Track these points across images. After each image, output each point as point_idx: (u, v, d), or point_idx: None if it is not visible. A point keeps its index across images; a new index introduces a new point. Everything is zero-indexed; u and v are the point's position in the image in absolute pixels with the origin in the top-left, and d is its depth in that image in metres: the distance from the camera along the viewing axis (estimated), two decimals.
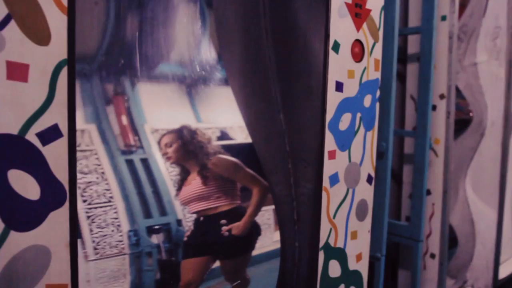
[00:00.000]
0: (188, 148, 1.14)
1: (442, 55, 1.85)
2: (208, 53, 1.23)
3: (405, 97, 1.96)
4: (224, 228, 1.27)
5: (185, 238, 1.11)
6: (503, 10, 2.32)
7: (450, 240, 2.04)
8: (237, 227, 1.30)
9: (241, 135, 1.39)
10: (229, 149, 1.35)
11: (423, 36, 1.79)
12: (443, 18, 1.85)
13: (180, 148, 1.11)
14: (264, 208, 1.50)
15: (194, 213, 1.30)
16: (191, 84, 1.25)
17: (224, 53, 1.27)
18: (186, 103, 1.31)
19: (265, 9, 1.24)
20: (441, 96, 1.86)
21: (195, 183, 1.25)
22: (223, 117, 1.40)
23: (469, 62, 2.31)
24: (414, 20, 1.90)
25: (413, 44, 1.93)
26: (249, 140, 1.39)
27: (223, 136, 1.35)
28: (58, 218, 0.70)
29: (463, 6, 2.34)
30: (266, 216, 1.48)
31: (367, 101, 1.24)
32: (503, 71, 2.26)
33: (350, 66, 1.18)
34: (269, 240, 1.47)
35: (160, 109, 1.22)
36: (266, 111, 1.24)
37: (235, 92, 1.28)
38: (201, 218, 1.29)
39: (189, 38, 1.23)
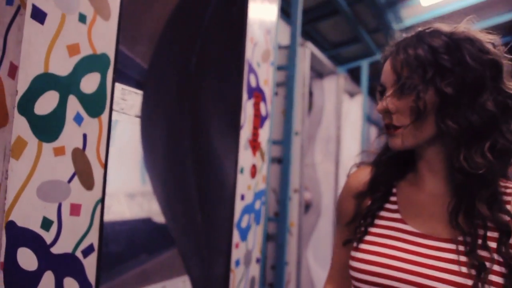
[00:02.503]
0: None
1: (295, 160, 2.53)
2: None
3: (268, 190, 2.55)
4: None
5: None
6: (332, 122, 3.18)
7: None
8: None
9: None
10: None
11: (284, 147, 2.43)
12: (296, 133, 2.54)
13: None
14: None
15: None
16: None
17: (148, 165, 1.65)
18: None
19: (187, 133, 1.69)
20: (295, 190, 2.51)
21: None
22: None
23: (310, 161, 3.07)
24: (275, 134, 2.55)
25: (274, 150, 2.57)
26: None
27: None
28: None
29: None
30: None
31: (257, 205, 1.76)
32: (333, 168, 3.08)
33: (248, 182, 1.69)
34: None
35: None
36: (186, 213, 1.65)
37: (158, 197, 1.66)
38: None
39: None
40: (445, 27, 0.81)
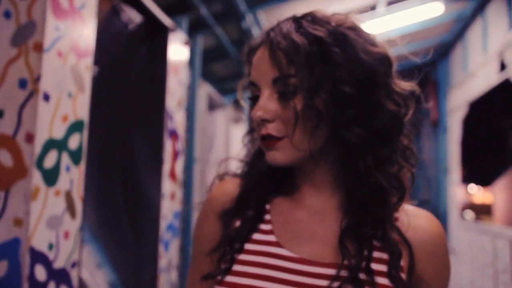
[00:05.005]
0: None
1: (196, 181, 2.99)
2: None
3: None
4: None
5: None
6: (222, 147, 3.72)
7: None
8: None
9: None
10: None
11: (187, 171, 2.89)
12: (196, 160, 3.02)
13: None
14: None
15: None
16: None
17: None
18: None
19: (117, 168, 2.06)
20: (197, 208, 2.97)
21: None
22: None
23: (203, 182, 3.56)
24: None
25: None
26: None
27: None
28: None
29: None
30: None
31: (175, 222, 2.19)
32: None
33: (169, 205, 2.12)
34: None
35: None
36: (118, 232, 2.02)
37: (90, 221, 2.00)
38: None
39: None
40: (322, 13, 0.67)
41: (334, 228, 0.67)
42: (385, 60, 0.65)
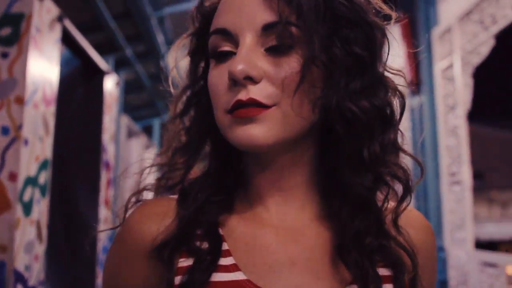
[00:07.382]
0: None
1: (118, 205, 3.21)
2: None
3: None
4: None
5: None
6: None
7: None
8: None
9: None
10: None
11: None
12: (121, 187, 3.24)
13: None
14: None
15: None
16: None
17: None
18: None
19: (57, 199, 2.26)
20: None
21: None
22: None
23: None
24: None
25: None
26: None
27: None
28: None
29: None
30: None
31: (109, 245, 2.43)
32: None
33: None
34: None
35: None
36: (54, 256, 2.21)
37: None
38: None
39: None
40: None
41: (317, 247, 0.51)
42: (383, 30, 0.52)
